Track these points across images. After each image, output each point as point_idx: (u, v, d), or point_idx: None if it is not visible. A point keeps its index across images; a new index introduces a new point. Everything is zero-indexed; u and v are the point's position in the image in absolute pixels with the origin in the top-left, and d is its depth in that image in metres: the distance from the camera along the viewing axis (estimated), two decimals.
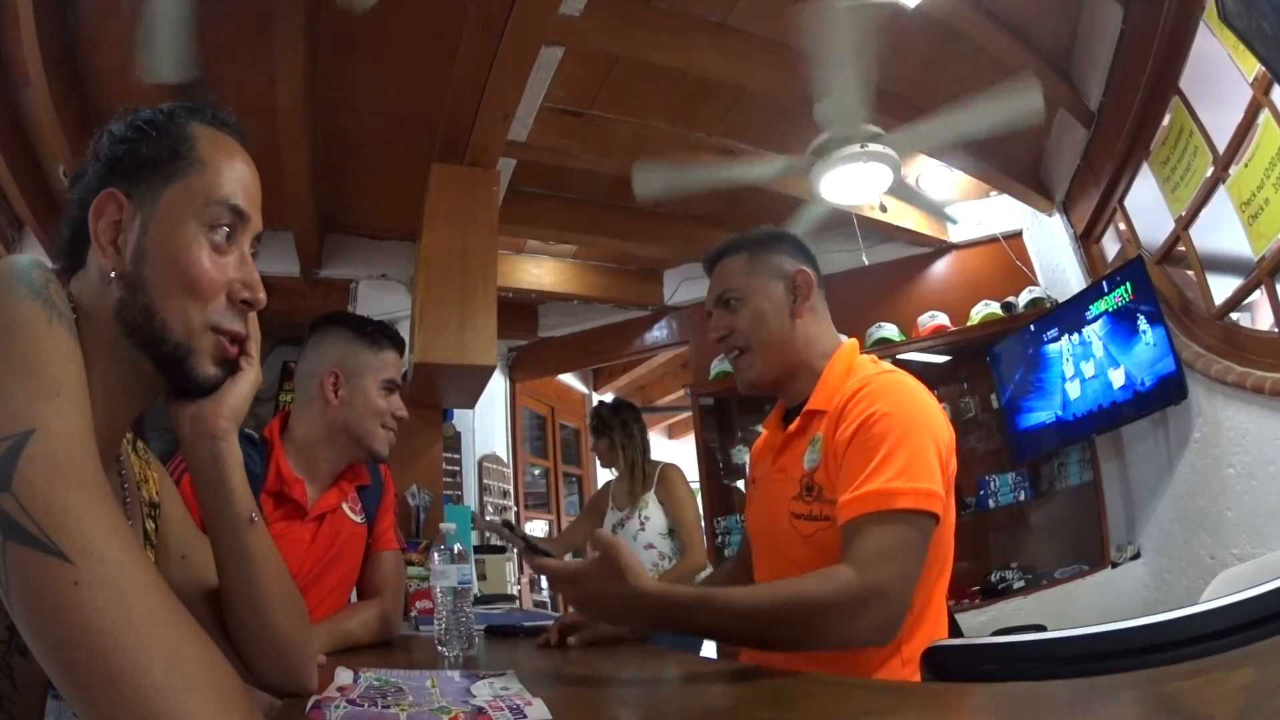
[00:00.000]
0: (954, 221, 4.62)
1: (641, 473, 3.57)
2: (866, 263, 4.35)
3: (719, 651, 4.48)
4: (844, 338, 1.60)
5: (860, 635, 1.20)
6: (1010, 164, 4.11)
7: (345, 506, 1.88)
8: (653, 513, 3.50)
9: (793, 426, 1.52)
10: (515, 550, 3.70)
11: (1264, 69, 2.35)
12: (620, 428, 3.65)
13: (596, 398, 7.12)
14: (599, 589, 1.18)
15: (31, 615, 0.62)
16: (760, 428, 1.76)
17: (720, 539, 4.94)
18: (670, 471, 3.59)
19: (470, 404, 4.20)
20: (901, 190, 3.88)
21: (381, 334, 1.95)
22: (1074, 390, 3.86)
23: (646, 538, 3.40)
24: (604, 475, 4.03)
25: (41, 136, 3.11)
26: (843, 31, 2.57)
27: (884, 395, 1.37)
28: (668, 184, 3.44)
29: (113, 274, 0.85)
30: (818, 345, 1.55)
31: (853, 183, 3.42)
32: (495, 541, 3.82)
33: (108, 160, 0.89)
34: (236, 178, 0.92)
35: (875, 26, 2.70)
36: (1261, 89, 2.50)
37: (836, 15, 2.53)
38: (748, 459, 2.09)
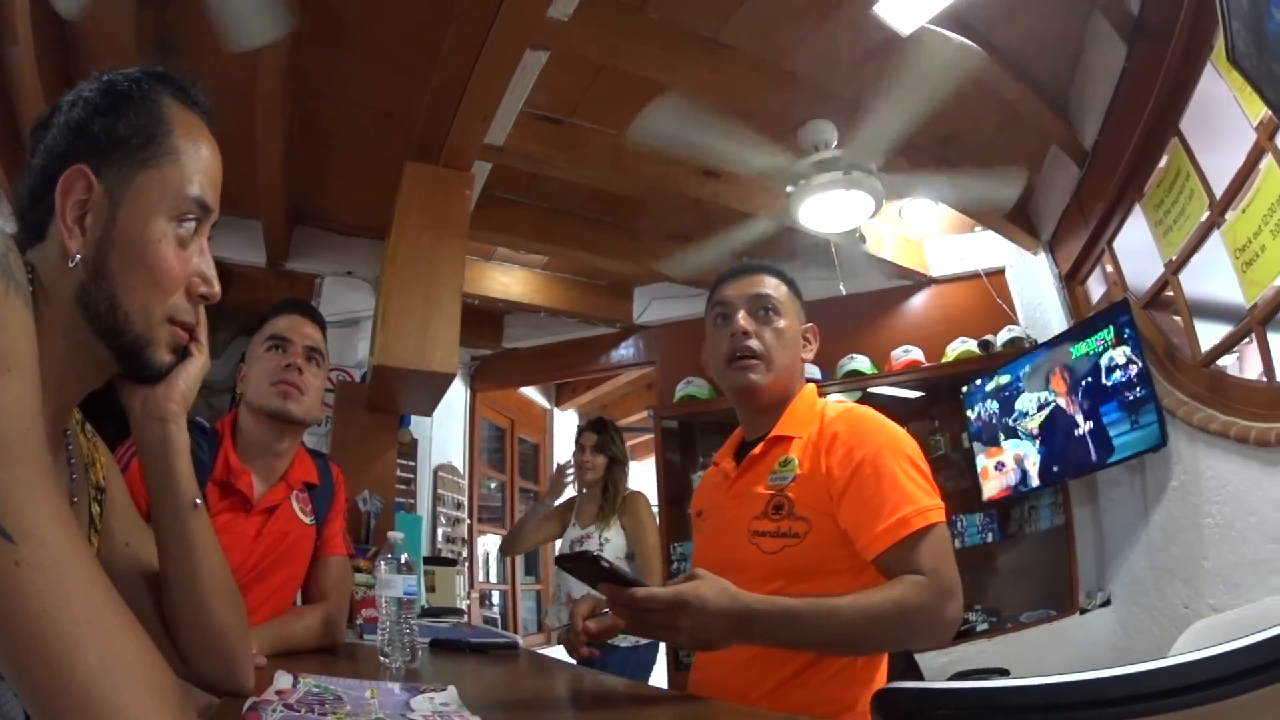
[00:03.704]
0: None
1: (620, 497, 3.55)
2: (844, 292, 4.30)
3: (669, 681, 4.44)
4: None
5: (946, 631, 1.30)
6: None
7: (295, 506, 1.85)
8: (613, 535, 3.48)
9: (756, 450, 1.58)
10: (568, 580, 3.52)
11: (1271, 113, 2.33)
12: (619, 449, 3.64)
13: (559, 413, 7.04)
14: (713, 609, 1.17)
15: None
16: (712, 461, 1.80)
17: (675, 565, 4.88)
18: (636, 498, 3.59)
19: (428, 411, 4.11)
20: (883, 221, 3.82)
21: (272, 309, 1.96)
22: (1049, 432, 3.82)
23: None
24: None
25: (21, 97, 2.97)
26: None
27: (876, 425, 1.48)
28: (678, 129, 3.02)
29: (77, 257, 0.82)
30: (796, 389, 1.64)
31: (833, 210, 3.41)
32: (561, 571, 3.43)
33: (79, 128, 0.86)
34: (204, 169, 0.92)
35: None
36: (1266, 134, 2.48)
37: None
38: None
